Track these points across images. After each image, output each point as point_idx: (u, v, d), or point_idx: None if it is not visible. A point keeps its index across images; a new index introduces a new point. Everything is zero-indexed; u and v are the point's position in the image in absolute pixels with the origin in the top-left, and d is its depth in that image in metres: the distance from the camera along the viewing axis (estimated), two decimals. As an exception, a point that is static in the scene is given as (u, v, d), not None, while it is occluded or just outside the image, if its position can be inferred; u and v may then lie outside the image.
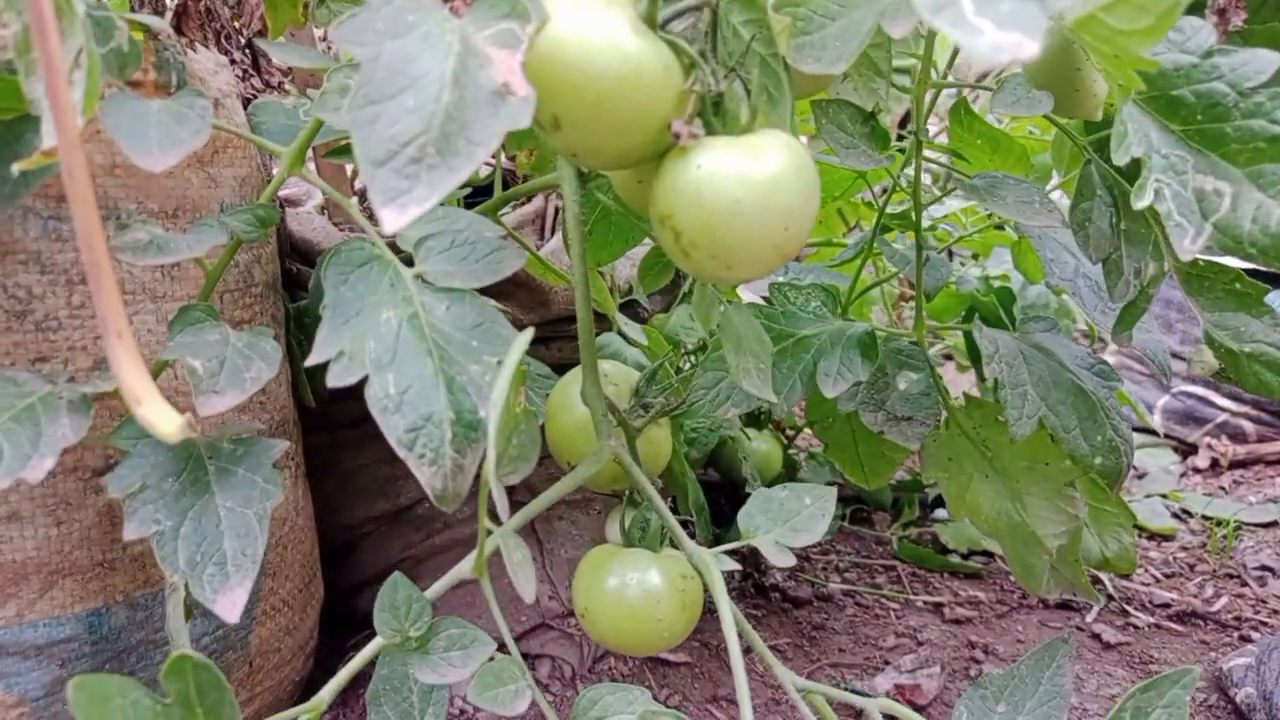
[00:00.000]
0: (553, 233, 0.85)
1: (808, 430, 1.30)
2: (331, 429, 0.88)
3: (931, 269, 0.77)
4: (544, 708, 0.45)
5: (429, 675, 0.44)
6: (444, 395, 0.40)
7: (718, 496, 1.17)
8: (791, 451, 1.25)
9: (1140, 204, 0.43)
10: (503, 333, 0.43)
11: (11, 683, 0.56)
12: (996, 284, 1.08)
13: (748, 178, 0.39)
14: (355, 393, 0.43)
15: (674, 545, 0.54)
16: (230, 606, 0.45)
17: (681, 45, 0.41)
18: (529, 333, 0.38)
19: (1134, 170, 0.45)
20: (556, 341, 0.89)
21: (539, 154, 0.73)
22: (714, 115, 0.42)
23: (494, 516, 0.42)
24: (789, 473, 1.19)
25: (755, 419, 1.15)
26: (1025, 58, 0.27)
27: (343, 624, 0.90)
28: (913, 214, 0.75)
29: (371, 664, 0.47)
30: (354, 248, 0.48)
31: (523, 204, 0.88)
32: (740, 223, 0.39)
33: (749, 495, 0.54)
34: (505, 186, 0.69)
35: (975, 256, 1.25)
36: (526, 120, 0.34)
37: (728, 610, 0.45)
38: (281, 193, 0.87)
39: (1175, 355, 1.55)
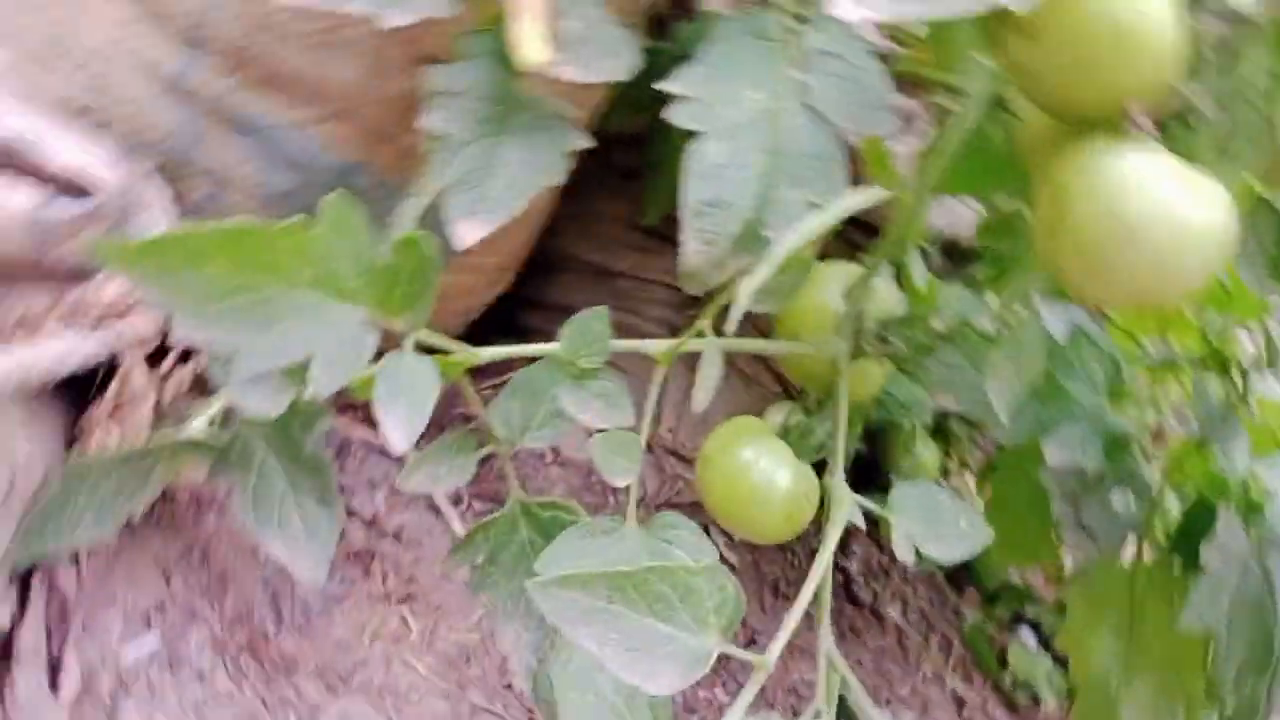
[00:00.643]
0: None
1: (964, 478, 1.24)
2: (611, 172, 0.89)
3: (1220, 426, 0.70)
4: (632, 499, 0.46)
5: (569, 404, 0.45)
6: (755, 195, 0.40)
7: (854, 469, 1.15)
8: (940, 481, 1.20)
9: None
10: (837, 181, 0.41)
11: (265, 171, 0.62)
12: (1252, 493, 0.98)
13: (1177, 214, 0.35)
14: (644, 143, 0.42)
15: (817, 468, 0.53)
16: (463, 235, 0.47)
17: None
18: (863, 196, 0.37)
19: None
20: (837, 241, 0.87)
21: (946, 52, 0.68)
22: (1172, 125, 0.38)
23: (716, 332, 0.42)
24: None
25: (939, 431, 1.10)
26: None
27: (498, 324, 0.95)
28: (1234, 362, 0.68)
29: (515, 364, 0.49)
30: (757, 21, 0.46)
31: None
32: (1133, 249, 0.35)
33: (886, 484, 0.51)
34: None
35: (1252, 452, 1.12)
36: (1028, 7, 0.32)
37: (832, 543, 0.45)
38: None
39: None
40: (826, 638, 0.48)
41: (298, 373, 0.41)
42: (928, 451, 1.11)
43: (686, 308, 0.99)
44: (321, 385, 0.39)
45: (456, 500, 0.75)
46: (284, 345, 0.39)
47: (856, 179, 0.83)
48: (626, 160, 0.88)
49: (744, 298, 0.37)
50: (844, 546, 1.08)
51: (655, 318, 0.92)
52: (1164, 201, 0.35)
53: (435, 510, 0.72)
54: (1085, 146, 0.38)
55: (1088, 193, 0.36)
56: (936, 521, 0.48)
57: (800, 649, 0.93)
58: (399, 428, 0.38)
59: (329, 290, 0.39)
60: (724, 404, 0.96)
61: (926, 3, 0.31)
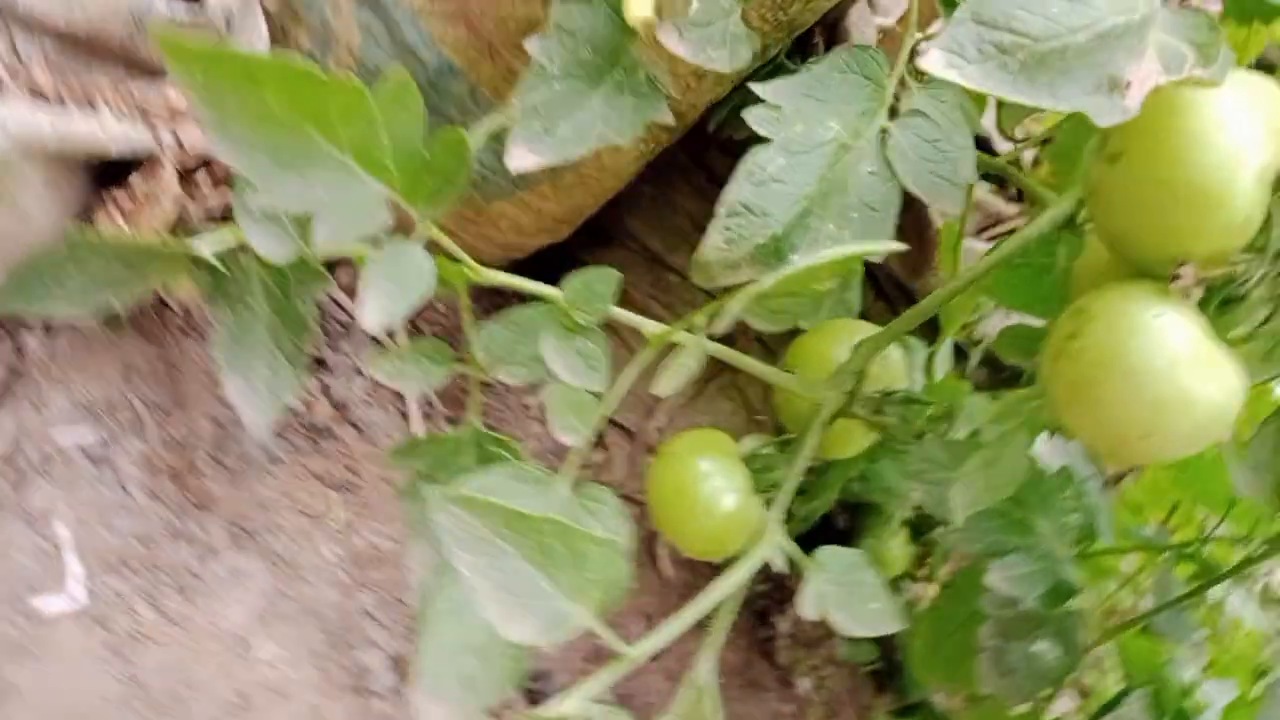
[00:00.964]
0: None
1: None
2: (701, 171, 0.90)
3: (1172, 621, 0.69)
4: (573, 462, 0.46)
5: (550, 351, 0.46)
6: (794, 216, 0.40)
7: (818, 531, 1.14)
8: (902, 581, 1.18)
9: None
10: (881, 235, 0.41)
11: (370, 46, 0.63)
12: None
13: (1176, 379, 0.34)
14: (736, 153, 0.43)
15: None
16: (516, 160, 0.47)
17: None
18: (881, 245, 0.37)
19: None
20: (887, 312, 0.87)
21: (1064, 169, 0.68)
22: (1218, 296, 0.37)
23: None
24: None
25: (920, 534, 1.09)
26: None
27: (541, 277, 0.96)
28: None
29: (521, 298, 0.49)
30: (869, 62, 0.46)
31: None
32: (1122, 397, 0.34)
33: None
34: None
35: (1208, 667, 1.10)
36: (1107, 121, 0.31)
37: (742, 571, 0.44)
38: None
39: None
40: (705, 663, 0.47)
41: (309, 227, 0.41)
42: (898, 546, 1.10)
43: (721, 324, 0.99)
44: (321, 238, 0.39)
45: (429, 415, 0.76)
46: (301, 191, 0.39)
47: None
48: (720, 165, 0.88)
49: (739, 303, 0.37)
50: (781, 605, 1.07)
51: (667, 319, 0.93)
52: (1168, 362, 0.34)
53: (405, 417, 0.73)
54: (1124, 285, 0.37)
55: (1102, 329, 0.35)
56: (851, 592, 0.47)
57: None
58: (376, 307, 0.39)
59: (363, 158, 0.40)
60: (719, 425, 0.96)
61: (1014, 86, 0.31)
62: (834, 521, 1.14)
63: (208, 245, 0.49)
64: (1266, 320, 0.37)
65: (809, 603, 0.48)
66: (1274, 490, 0.56)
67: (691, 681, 0.48)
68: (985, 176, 0.84)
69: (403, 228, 0.42)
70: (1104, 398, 0.35)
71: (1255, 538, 0.65)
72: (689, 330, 0.42)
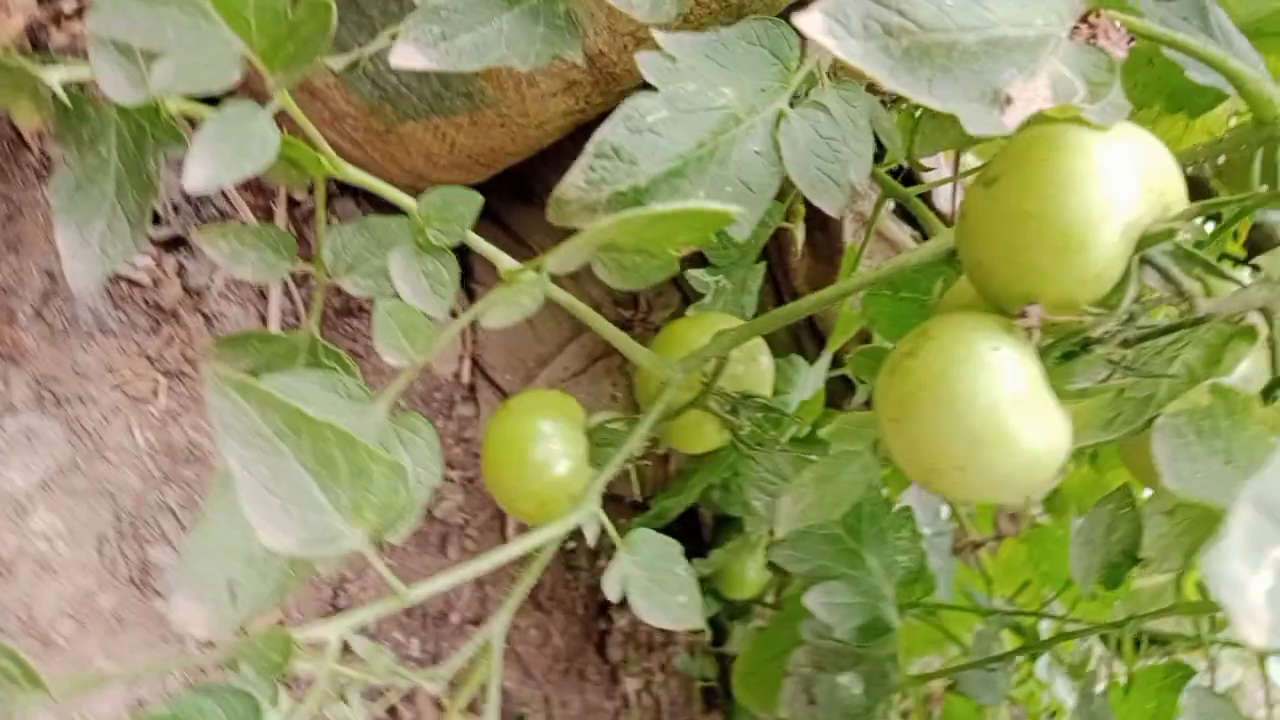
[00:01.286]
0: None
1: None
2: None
3: (979, 684, 0.69)
4: (396, 386, 0.44)
5: (395, 266, 0.43)
6: (662, 171, 0.38)
7: (679, 537, 1.13)
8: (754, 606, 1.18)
9: None
10: (747, 218, 0.40)
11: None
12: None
13: (999, 419, 0.33)
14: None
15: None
16: (400, 56, 0.44)
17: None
18: (743, 215, 0.36)
19: None
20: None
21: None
22: (1060, 347, 0.36)
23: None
24: (734, 609, 1.14)
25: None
26: None
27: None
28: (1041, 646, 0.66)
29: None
30: (781, 41, 0.44)
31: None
32: (942, 426, 0.33)
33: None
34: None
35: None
36: (978, 131, 0.30)
37: (550, 532, 0.42)
38: None
39: None
40: (498, 623, 0.45)
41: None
42: (755, 569, 1.09)
43: (627, 306, 0.98)
44: (158, 81, 0.36)
45: (289, 327, 0.72)
46: (148, 25, 0.36)
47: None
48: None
49: (582, 243, 0.35)
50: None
51: (594, 296, 0.91)
52: (994, 398, 0.33)
53: (265, 321, 0.69)
54: (972, 314, 0.36)
55: (936, 351, 0.34)
56: (659, 579, 0.46)
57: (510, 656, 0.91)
58: (203, 168, 0.36)
59: (225, 7, 0.37)
60: (599, 404, 0.94)
61: (891, 73, 0.30)
62: (701, 532, 1.13)
63: (56, 73, 0.45)
64: (1106, 379, 0.36)
65: (611, 581, 0.46)
66: (1101, 570, 0.56)
67: (482, 635, 0.46)
68: (905, 219, 0.84)
69: (255, 96, 0.40)
70: (924, 420, 0.34)
71: (1076, 617, 0.65)
72: (537, 271, 0.40)
